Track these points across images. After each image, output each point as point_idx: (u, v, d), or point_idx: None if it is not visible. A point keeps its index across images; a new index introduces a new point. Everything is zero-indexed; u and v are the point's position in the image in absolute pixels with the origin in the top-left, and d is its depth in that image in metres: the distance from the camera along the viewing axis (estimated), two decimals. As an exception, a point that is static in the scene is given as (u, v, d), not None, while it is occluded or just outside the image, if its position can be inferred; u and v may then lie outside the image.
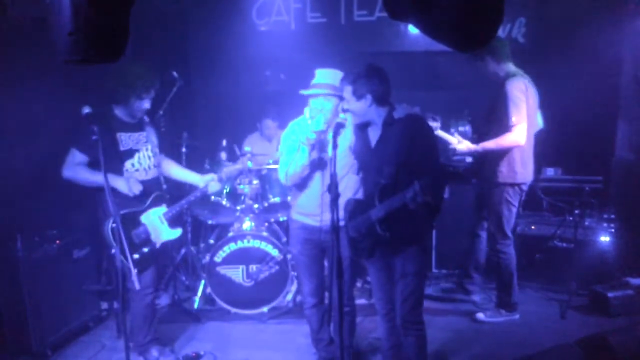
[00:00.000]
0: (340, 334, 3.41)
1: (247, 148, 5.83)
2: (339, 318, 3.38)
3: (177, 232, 4.51)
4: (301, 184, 4.01)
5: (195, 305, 5.56)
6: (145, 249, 4.28)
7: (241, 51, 6.85)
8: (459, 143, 5.03)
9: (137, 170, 4.29)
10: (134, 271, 3.88)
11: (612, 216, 5.69)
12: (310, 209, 4.01)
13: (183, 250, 6.10)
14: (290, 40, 6.75)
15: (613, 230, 5.57)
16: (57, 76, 4.48)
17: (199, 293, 5.64)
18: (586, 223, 5.68)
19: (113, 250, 4.11)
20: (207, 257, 5.42)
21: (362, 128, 3.75)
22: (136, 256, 4.14)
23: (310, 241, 4.09)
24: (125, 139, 4.25)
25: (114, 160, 4.14)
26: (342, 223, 3.71)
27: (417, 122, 3.63)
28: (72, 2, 2.20)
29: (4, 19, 4.39)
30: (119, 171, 4.19)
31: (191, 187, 4.73)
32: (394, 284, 3.75)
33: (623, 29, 5.85)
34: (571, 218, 5.58)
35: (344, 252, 3.76)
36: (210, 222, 6.01)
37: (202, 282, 5.58)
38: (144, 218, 4.31)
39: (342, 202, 3.71)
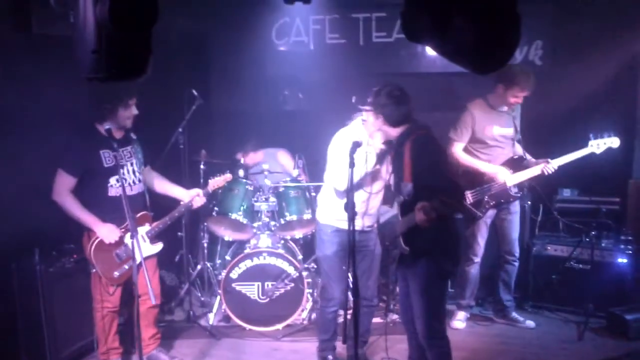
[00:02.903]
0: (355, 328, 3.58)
1: (265, 165, 5.88)
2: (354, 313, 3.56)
3: (157, 247, 4.60)
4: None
5: (211, 322, 5.57)
6: (126, 267, 4.39)
7: (260, 70, 6.93)
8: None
9: (121, 185, 4.34)
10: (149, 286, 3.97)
11: (630, 237, 5.64)
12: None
13: (199, 266, 6.13)
14: (308, 60, 6.80)
15: (630, 251, 5.52)
16: (80, 93, 4.56)
17: (214, 309, 5.66)
18: (603, 244, 5.63)
19: (94, 270, 4.32)
20: (223, 274, 5.44)
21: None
22: (116, 274, 4.33)
23: (343, 243, 4.28)
24: (109, 156, 4.31)
25: (99, 177, 4.27)
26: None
27: (419, 143, 3.68)
28: (96, 20, 2.26)
29: (27, 36, 4.48)
30: (103, 188, 4.29)
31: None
32: (409, 296, 3.90)
33: (639, 51, 5.85)
34: (588, 239, 5.56)
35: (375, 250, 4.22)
36: (226, 238, 6.03)
37: (218, 298, 5.60)
38: (127, 238, 4.37)
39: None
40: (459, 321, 5.58)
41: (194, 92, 5.72)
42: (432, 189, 3.49)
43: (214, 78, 7.31)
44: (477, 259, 5.49)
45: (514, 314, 5.62)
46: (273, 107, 6.99)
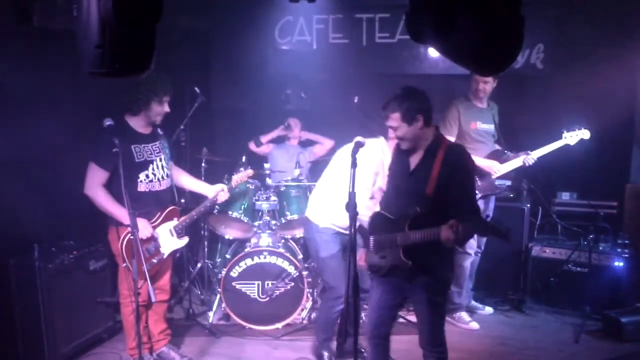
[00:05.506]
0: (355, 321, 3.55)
1: (266, 165, 5.90)
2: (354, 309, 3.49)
3: (184, 241, 4.62)
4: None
5: (210, 320, 5.57)
6: (154, 260, 4.41)
7: (263, 69, 6.96)
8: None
9: (151, 181, 4.37)
10: (149, 284, 3.95)
11: (626, 241, 5.68)
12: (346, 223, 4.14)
13: (199, 264, 6.14)
14: (311, 59, 6.83)
15: (627, 255, 5.56)
16: (81, 87, 4.57)
17: (214, 307, 5.66)
18: (600, 248, 5.67)
19: (124, 264, 4.27)
20: (223, 272, 5.44)
21: (403, 151, 3.68)
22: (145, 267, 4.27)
23: (344, 242, 4.50)
24: (140, 151, 4.33)
25: (129, 171, 4.22)
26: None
27: (458, 154, 3.55)
28: (100, 15, 2.27)
29: (29, 29, 4.47)
30: (133, 182, 4.27)
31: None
32: (391, 309, 3.85)
33: (638, 55, 5.88)
34: (585, 242, 5.59)
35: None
36: (227, 236, 6.04)
37: (218, 296, 5.60)
38: (156, 232, 4.41)
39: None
40: (473, 322, 5.59)
41: (196, 89, 5.74)
42: (454, 205, 3.38)
43: (216, 76, 7.33)
44: (472, 251, 5.56)
45: (473, 302, 5.86)
46: (275, 105, 7.01)
